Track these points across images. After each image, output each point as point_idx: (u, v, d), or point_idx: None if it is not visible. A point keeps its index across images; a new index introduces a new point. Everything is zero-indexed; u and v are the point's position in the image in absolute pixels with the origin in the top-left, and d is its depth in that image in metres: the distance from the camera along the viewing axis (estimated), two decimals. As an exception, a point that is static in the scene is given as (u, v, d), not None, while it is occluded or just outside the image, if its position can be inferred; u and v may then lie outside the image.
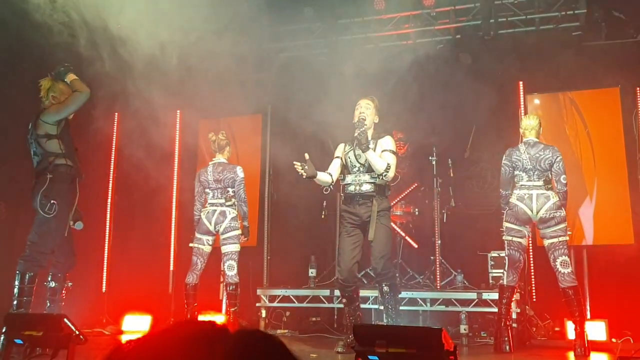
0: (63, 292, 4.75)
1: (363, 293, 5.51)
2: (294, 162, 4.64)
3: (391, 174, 4.68)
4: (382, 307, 4.82)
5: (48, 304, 4.65)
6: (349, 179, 4.79)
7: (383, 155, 4.71)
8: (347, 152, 4.87)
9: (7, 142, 5.93)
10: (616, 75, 6.08)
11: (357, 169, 4.78)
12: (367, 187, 4.70)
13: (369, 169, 4.72)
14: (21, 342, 3.53)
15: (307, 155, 4.62)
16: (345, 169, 4.89)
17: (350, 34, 7.09)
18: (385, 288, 4.71)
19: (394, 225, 6.67)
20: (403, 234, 6.69)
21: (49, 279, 4.66)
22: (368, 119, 4.75)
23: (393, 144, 4.81)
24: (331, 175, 4.87)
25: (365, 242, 4.75)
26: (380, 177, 4.67)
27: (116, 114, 7.21)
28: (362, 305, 5.38)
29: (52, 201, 4.44)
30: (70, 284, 4.83)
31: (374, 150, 4.72)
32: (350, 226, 4.75)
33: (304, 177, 4.63)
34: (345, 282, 4.71)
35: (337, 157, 4.96)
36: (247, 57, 6.14)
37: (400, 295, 5.97)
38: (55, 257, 4.65)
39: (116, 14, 4.99)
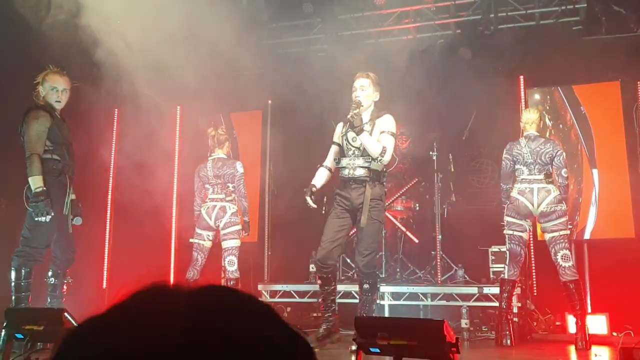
0: (64, 288, 4.73)
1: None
2: (306, 200, 4.64)
3: (387, 157, 4.40)
4: (359, 301, 4.64)
5: (49, 300, 4.63)
6: (343, 162, 4.56)
7: (380, 138, 4.42)
8: (343, 133, 4.62)
9: (8, 138, 5.91)
10: (616, 69, 6.08)
11: (352, 152, 4.54)
12: (360, 172, 4.46)
13: (363, 153, 4.46)
14: (22, 336, 3.52)
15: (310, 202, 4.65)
16: (341, 151, 4.65)
17: (350, 30, 7.06)
18: (366, 286, 4.49)
19: (394, 221, 6.67)
20: (404, 229, 6.68)
21: (49, 275, 4.64)
22: (365, 100, 4.45)
23: (393, 124, 4.49)
24: (330, 170, 4.73)
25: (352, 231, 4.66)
26: (376, 161, 4.41)
27: (116, 110, 7.20)
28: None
29: None
30: (70, 280, 4.82)
31: (372, 132, 4.45)
32: (340, 209, 4.55)
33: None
34: (321, 262, 4.53)
35: (335, 142, 4.72)
36: (246, 53, 6.12)
37: (401, 290, 6.00)
38: (53, 253, 4.62)
39: (116, 10, 4.98)
